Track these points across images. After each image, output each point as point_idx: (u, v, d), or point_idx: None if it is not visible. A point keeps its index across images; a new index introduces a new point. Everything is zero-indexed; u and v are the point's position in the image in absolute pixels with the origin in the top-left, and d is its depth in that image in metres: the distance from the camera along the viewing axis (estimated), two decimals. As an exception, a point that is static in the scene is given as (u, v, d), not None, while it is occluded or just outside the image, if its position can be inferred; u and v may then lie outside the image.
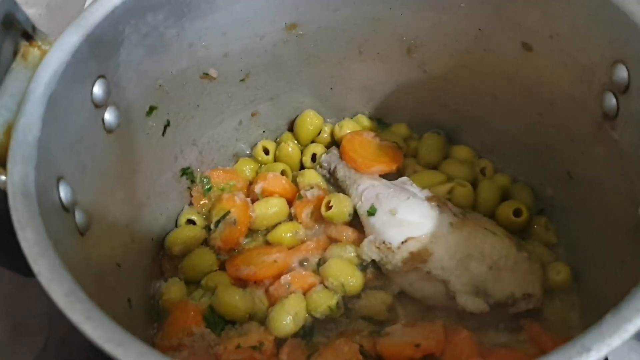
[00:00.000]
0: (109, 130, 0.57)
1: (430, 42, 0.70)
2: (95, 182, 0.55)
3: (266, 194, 0.73)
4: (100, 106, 0.55)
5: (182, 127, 0.69)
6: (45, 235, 0.40)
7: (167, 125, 0.67)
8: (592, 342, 0.30)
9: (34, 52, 0.52)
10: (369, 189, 0.70)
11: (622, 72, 0.51)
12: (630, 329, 0.31)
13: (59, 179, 0.48)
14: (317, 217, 0.70)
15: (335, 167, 0.74)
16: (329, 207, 0.69)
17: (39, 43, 0.52)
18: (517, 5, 0.60)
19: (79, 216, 0.50)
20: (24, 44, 0.51)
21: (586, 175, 0.61)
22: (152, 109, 0.64)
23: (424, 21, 0.69)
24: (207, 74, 0.68)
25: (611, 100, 0.53)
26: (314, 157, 0.77)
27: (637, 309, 0.31)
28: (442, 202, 0.67)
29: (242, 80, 0.72)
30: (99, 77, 0.55)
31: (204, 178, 0.74)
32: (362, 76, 0.77)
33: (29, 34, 0.52)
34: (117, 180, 0.60)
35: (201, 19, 0.63)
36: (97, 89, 0.54)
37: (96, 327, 0.35)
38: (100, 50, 0.54)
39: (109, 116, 0.57)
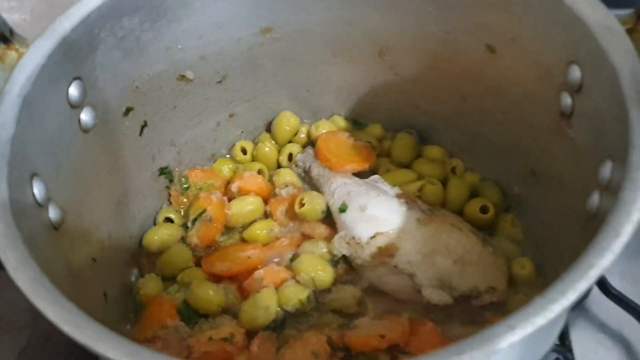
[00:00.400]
0: (85, 130, 0.59)
1: (400, 45, 0.73)
2: (71, 179, 0.57)
3: (242, 192, 0.75)
4: (76, 106, 0.57)
5: (160, 127, 0.71)
6: (14, 228, 0.42)
7: (145, 125, 0.69)
8: (517, 321, 0.32)
9: (11, 54, 0.54)
10: (341, 187, 0.72)
11: (576, 72, 0.53)
12: (555, 309, 0.33)
13: (32, 176, 0.50)
14: (292, 214, 0.73)
15: (310, 166, 0.76)
16: (302, 205, 0.71)
17: (17, 46, 0.54)
18: (480, 9, 0.63)
19: (53, 212, 0.52)
20: (1, 47, 0.54)
21: (548, 172, 0.63)
22: (128, 109, 0.66)
23: (394, 25, 0.71)
24: (183, 76, 0.70)
25: (567, 100, 0.56)
26: (291, 157, 0.80)
27: (562, 291, 0.33)
28: (411, 199, 0.69)
29: (219, 82, 0.74)
30: (75, 78, 0.57)
31: (182, 177, 0.76)
32: (337, 78, 0.79)
33: (6, 38, 0.54)
34: (94, 178, 0.62)
35: (177, 22, 0.65)
36: (73, 90, 0.57)
37: (58, 311, 0.37)
38: (76, 52, 0.56)
39: (85, 116, 0.59)
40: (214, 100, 0.76)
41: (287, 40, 0.73)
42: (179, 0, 0.64)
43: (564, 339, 0.72)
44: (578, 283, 0.33)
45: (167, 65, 0.68)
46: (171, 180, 0.76)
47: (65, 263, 0.52)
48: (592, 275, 0.34)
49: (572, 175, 0.56)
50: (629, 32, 0.49)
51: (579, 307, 0.77)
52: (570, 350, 0.70)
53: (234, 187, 0.75)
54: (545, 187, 0.65)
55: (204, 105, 0.75)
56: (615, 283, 0.76)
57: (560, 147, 0.59)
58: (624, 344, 0.75)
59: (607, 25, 0.49)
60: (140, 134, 0.69)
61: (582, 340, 0.76)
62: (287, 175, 0.77)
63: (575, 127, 0.55)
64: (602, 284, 0.76)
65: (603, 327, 0.77)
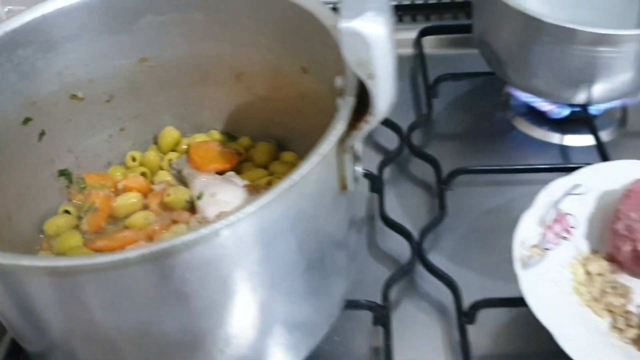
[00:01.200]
0: (-14, 132, 0.78)
1: (251, 70, 0.92)
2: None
3: (127, 189, 0.93)
4: (-22, 113, 0.76)
5: (57, 136, 0.89)
6: None
7: (43, 133, 0.86)
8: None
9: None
10: (202, 181, 0.90)
11: (340, 82, 0.73)
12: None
13: None
14: (164, 206, 0.91)
15: (182, 168, 0.95)
16: (168, 195, 0.89)
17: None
18: (291, 41, 0.83)
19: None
20: None
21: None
22: (27, 119, 0.83)
23: (243, 55, 0.91)
24: (75, 96, 0.88)
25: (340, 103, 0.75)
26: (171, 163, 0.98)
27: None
28: (255, 188, 0.88)
29: (108, 101, 0.93)
30: (-23, 92, 0.76)
31: (80, 179, 0.94)
32: (208, 98, 0.98)
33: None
34: (-4, 171, 0.80)
35: (65, 53, 0.84)
36: (-25, 101, 0.75)
37: None
38: (-23, 73, 0.75)
39: (-13, 121, 0.77)
40: (105, 116, 0.94)
41: (161, 67, 0.93)
42: (66, 36, 0.83)
43: (385, 300, 0.89)
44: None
45: (60, 86, 0.86)
46: (71, 182, 0.94)
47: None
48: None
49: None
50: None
51: (406, 279, 0.96)
52: (385, 308, 0.88)
53: (120, 186, 0.94)
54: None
55: (96, 119, 0.93)
56: (442, 263, 0.95)
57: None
58: (441, 310, 0.93)
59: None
60: (39, 140, 0.86)
61: (405, 307, 0.94)
62: (164, 176, 0.95)
63: (346, 122, 0.75)
64: (427, 263, 0.94)
65: (425, 297, 0.95)
